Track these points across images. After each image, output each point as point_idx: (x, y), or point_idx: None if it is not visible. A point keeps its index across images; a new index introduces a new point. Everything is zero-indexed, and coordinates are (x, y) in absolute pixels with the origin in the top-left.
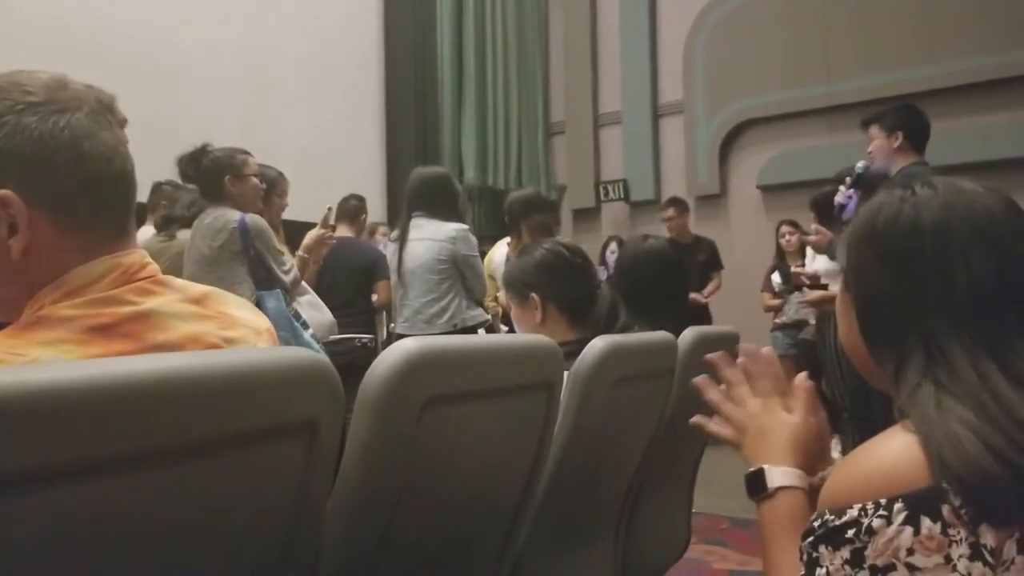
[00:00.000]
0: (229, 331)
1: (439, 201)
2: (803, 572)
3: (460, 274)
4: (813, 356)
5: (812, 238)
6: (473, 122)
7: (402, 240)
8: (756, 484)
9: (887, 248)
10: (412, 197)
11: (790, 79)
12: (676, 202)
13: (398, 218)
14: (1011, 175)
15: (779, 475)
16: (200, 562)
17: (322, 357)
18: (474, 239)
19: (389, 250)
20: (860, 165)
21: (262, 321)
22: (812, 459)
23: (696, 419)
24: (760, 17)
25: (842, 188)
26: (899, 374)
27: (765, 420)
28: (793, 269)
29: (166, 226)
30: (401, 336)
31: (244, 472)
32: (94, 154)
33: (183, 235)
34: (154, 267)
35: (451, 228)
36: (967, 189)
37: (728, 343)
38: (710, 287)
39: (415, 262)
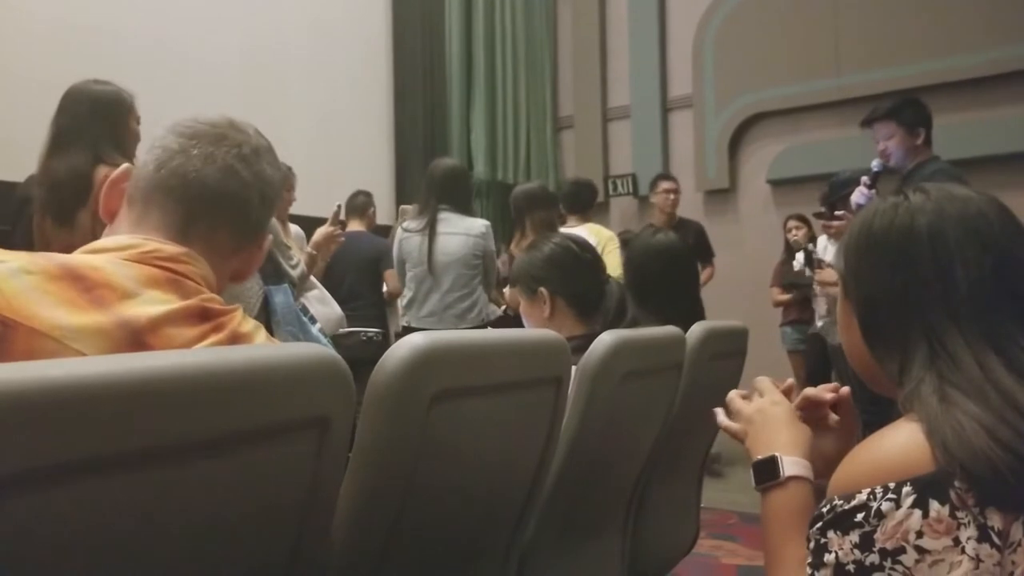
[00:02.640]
0: None
1: (463, 195)
2: (810, 559)
3: (484, 269)
4: (823, 351)
5: (836, 223)
6: (482, 116)
7: (431, 233)
8: (768, 472)
9: (885, 251)
10: (439, 189)
11: (800, 72)
12: (671, 176)
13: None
14: None
15: (792, 464)
16: (211, 559)
17: (334, 354)
18: None
19: (413, 242)
20: (876, 164)
21: None
22: (827, 467)
23: (714, 411)
24: (769, 10)
25: (862, 189)
26: (902, 370)
27: (772, 410)
28: (816, 255)
29: None
30: (417, 330)
31: (255, 469)
32: None
33: None
34: None
35: (481, 224)
36: (959, 194)
37: (738, 338)
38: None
39: (448, 256)
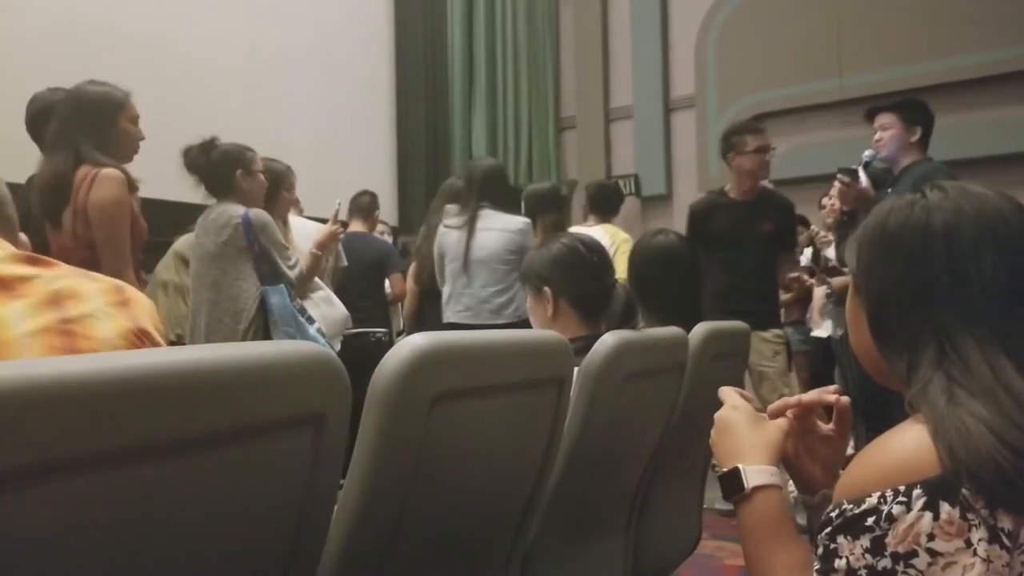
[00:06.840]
0: None
1: (503, 193)
2: (819, 565)
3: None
4: (826, 351)
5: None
6: (484, 117)
7: (470, 229)
8: (732, 485)
9: (899, 249)
10: (478, 186)
11: (802, 73)
12: (759, 128)
13: (412, 214)
14: None
15: (755, 474)
16: (207, 556)
17: (327, 350)
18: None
19: (452, 237)
20: (867, 154)
21: None
22: (826, 474)
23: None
24: (772, 10)
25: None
26: (911, 369)
27: (731, 416)
28: (824, 255)
29: None
30: (458, 326)
31: (250, 465)
32: None
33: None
34: None
35: (519, 220)
36: (977, 192)
37: (739, 339)
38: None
39: (484, 251)
